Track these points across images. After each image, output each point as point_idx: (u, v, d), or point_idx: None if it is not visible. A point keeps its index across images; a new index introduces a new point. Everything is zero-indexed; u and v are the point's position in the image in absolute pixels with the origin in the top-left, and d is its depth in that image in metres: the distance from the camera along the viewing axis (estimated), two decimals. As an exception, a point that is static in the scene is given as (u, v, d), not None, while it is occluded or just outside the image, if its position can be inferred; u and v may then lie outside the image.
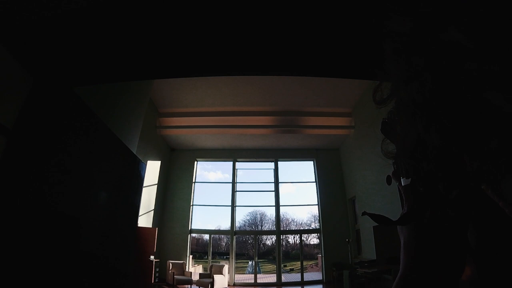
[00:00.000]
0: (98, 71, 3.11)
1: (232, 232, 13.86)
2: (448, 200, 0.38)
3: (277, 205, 14.38)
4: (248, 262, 14.84)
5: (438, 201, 0.39)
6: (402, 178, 0.44)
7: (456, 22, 0.30)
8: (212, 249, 14.13)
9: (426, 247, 0.42)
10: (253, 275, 13.42)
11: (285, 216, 14.95)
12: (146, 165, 6.11)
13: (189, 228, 13.78)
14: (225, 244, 14.98)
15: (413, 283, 0.42)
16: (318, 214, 14.28)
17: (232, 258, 13.31)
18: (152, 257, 10.19)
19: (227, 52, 2.93)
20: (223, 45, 2.84)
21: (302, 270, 13.45)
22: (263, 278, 13.68)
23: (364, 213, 0.50)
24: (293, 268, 14.69)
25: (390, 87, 0.41)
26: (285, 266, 14.47)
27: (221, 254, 14.84)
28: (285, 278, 13.50)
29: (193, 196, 14.43)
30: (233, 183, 14.73)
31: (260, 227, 15.54)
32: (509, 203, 0.31)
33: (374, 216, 0.46)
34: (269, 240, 15.45)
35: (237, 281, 13.02)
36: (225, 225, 14.33)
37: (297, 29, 2.62)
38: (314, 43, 2.73)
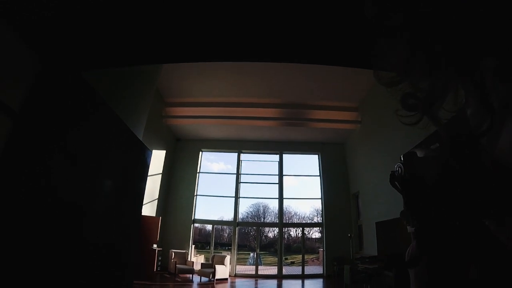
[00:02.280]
0: (107, 54, 3.11)
1: (235, 223, 13.93)
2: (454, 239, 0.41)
3: (281, 198, 14.41)
4: (249, 254, 14.97)
5: (445, 243, 0.42)
6: (408, 226, 0.47)
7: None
8: (214, 240, 14.23)
9: (437, 276, 0.44)
10: (254, 267, 13.51)
11: (288, 209, 15.02)
12: (152, 153, 6.13)
13: (192, 218, 13.87)
14: (227, 235, 15.09)
15: None
16: (321, 208, 14.31)
17: (234, 249, 13.39)
18: (155, 245, 10.29)
19: (234, 35, 2.92)
20: (230, 28, 2.83)
21: (303, 264, 13.51)
22: (264, 270, 13.78)
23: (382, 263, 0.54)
24: (294, 261, 14.79)
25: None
26: (286, 259, 14.56)
27: (223, 245, 14.96)
28: (286, 270, 13.59)
29: (197, 186, 14.50)
30: (237, 174, 14.77)
31: (262, 219, 15.65)
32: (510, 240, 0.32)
33: (387, 261, 0.50)
34: (271, 232, 15.57)
35: (238, 272, 13.11)
36: (228, 216, 14.43)
37: (302, 14, 2.60)
38: (319, 29, 2.71)
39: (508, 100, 0.28)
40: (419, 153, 0.43)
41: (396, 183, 0.44)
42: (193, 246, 13.65)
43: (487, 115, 0.30)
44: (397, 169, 0.44)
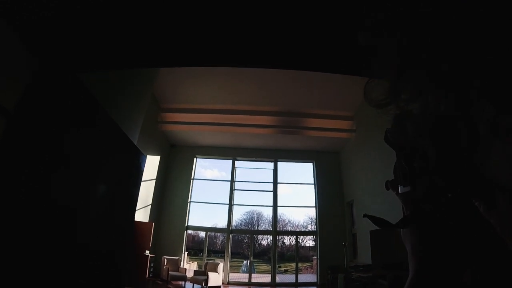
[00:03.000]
0: (103, 56, 3.09)
1: (228, 230, 13.85)
2: (445, 205, 0.40)
3: (275, 206, 14.36)
4: (243, 261, 14.85)
5: (437, 206, 0.42)
6: (400, 186, 0.46)
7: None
8: (207, 247, 14.11)
9: (433, 251, 0.44)
10: (247, 274, 13.41)
11: (282, 217, 14.96)
12: (146, 158, 6.09)
13: (186, 225, 13.77)
14: (221, 242, 14.98)
15: (424, 286, 0.44)
16: (315, 217, 14.28)
17: (227, 256, 13.29)
18: (147, 252, 10.18)
19: (231, 40, 2.92)
20: (227, 33, 2.83)
21: (297, 272, 13.43)
22: (257, 278, 13.67)
23: (365, 215, 0.53)
24: (287, 270, 14.69)
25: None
26: (279, 267, 14.46)
27: (217, 252, 14.84)
28: (279, 278, 13.49)
29: (191, 192, 14.41)
30: (232, 181, 14.72)
31: (256, 227, 15.56)
32: (500, 223, 0.32)
33: (374, 219, 0.49)
34: (265, 240, 15.47)
35: (231, 280, 13.00)
36: (222, 223, 14.34)
37: (298, 20, 2.62)
38: (315, 35, 2.73)
39: (495, 124, 0.28)
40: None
41: (390, 139, 0.44)
42: (186, 253, 13.52)
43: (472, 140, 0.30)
44: (393, 126, 0.44)
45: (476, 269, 0.42)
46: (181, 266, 11.93)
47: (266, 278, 13.48)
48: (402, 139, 0.41)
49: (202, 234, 14.37)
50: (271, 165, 15.16)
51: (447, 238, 0.43)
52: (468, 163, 0.31)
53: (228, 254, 13.39)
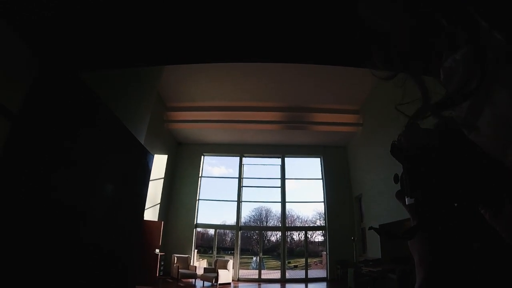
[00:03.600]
0: (105, 55, 3.10)
1: (237, 227, 13.90)
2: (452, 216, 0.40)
3: (283, 202, 14.37)
4: (252, 258, 14.88)
5: (442, 218, 0.41)
6: (407, 197, 0.45)
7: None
8: (217, 244, 14.18)
9: (441, 261, 0.43)
10: (257, 271, 13.45)
11: (290, 213, 14.97)
12: (153, 156, 6.11)
13: (195, 223, 13.84)
14: (230, 239, 15.02)
15: None
16: (323, 212, 14.26)
17: (237, 253, 13.35)
18: (157, 250, 10.25)
19: (232, 35, 2.91)
20: (228, 27, 2.82)
21: (306, 267, 13.44)
22: (267, 274, 13.70)
23: (370, 228, 0.53)
24: (297, 265, 14.70)
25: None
26: (289, 262, 14.48)
27: (226, 249, 14.89)
28: (289, 274, 13.50)
29: (199, 190, 14.48)
30: (240, 178, 14.75)
31: (265, 223, 15.57)
32: (506, 229, 0.32)
33: (380, 231, 0.48)
34: (274, 236, 15.48)
35: (241, 277, 13.05)
36: (230, 220, 14.40)
37: (301, 13, 2.60)
38: (319, 28, 2.71)
39: (502, 52, 0.27)
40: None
41: (396, 152, 0.44)
42: (196, 250, 13.61)
43: (477, 69, 0.29)
44: (399, 138, 0.44)
45: (484, 276, 0.41)
46: (191, 264, 12.00)
47: (276, 274, 13.51)
48: (412, 143, 0.41)
49: (211, 231, 14.43)
50: (278, 161, 15.15)
51: (455, 247, 0.42)
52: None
53: (237, 251, 13.44)
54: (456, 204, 0.40)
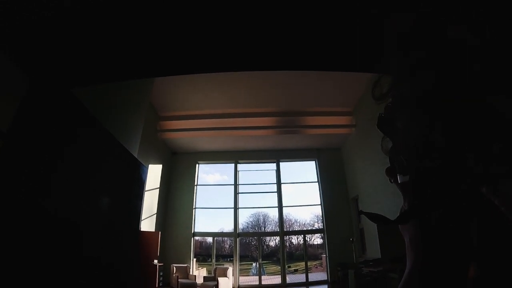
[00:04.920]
0: (96, 70, 3.08)
1: (235, 234, 13.84)
2: (449, 197, 0.37)
3: (280, 206, 14.35)
4: (252, 264, 14.81)
5: (439, 199, 0.38)
6: (399, 175, 0.42)
7: (464, 20, 0.32)
8: (215, 252, 14.11)
9: (433, 245, 0.41)
10: (257, 277, 13.38)
11: (288, 217, 14.95)
12: (147, 168, 6.08)
13: (192, 231, 13.76)
14: (229, 246, 14.95)
15: (421, 281, 0.42)
16: (321, 214, 14.26)
17: (236, 260, 13.28)
18: (155, 261, 10.15)
19: (225, 47, 2.91)
20: (221, 40, 2.82)
21: (306, 271, 13.41)
22: (267, 280, 13.63)
23: (361, 212, 0.50)
24: (297, 269, 14.65)
25: (389, 82, 0.42)
26: (289, 267, 14.42)
27: (225, 256, 14.81)
28: (289, 279, 13.45)
29: (196, 199, 14.41)
30: (235, 185, 14.71)
31: (263, 229, 15.53)
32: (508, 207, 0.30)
33: (371, 216, 0.45)
34: (273, 241, 15.43)
35: (241, 284, 12.97)
36: (228, 227, 14.33)
37: (296, 22, 2.60)
38: (313, 36, 2.71)
39: None
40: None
41: (385, 122, 0.41)
42: (195, 259, 13.51)
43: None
44: (387, 107, 0.41)
45: (483, 263, 0.39)
46: (191, 273, 11.91)
47: (276, 279, 13.45)
48: (401, 113, 0.39)
49: (210, 239, 14.36)
50: (273, 166, 15.14)
51: (449, 230, 0.40)
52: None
53: (236, 258, 13.37)
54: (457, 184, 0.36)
